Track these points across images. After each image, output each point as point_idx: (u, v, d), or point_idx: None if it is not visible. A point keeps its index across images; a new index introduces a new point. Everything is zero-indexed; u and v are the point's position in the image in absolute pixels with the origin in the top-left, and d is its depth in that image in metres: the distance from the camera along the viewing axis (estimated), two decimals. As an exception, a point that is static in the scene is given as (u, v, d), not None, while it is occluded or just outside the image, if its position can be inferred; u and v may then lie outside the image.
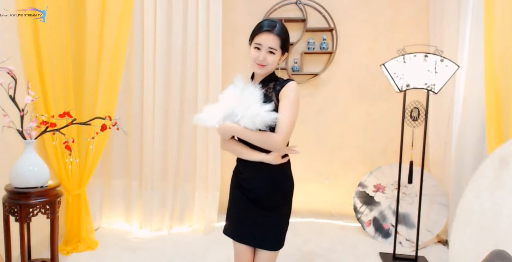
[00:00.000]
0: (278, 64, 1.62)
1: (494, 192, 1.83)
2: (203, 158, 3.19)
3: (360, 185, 3.28)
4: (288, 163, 1.68)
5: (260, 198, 1.63)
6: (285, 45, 1.59)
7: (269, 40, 1.54)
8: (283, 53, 1.61)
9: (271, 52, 1.56)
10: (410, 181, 2.80)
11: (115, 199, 3.31)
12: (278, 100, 1.56)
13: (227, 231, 1.74)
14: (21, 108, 2.13)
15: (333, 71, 3.55)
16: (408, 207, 3.09)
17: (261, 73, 1.61)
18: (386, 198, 3.19)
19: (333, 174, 3.62)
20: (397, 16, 3.48)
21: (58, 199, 2.26)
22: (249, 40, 1.62)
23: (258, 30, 1.57)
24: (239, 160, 1.71)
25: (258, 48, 1.56)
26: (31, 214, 2.11)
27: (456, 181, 2.85)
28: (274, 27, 1.55)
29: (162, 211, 3.22)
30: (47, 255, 2.49)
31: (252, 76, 1.69)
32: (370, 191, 3.24)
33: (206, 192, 3.23)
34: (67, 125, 2.26)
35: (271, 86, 1.61)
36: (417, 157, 2.88)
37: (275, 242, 1.65)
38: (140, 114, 3.19)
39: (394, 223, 3.01)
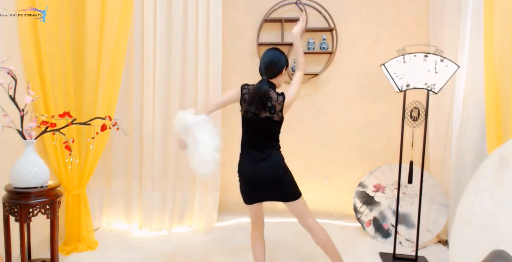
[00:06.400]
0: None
1: (494, 192, 1.84)
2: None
3: (360, 185, 3.28)
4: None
5: None
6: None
7: None
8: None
9: None
10: (410, 181, 2.80)
11: (115, 199, 3.31)
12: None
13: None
14: (21, 108, 2.13)
15: (333, 71, 3.55)
16: (408, 207, 3.09)
17: None
18: (386, 198, 3.19)
19: (333, 174, 3.62)
20: (397, 16, 3.47)
21: (58, 199, 2.26)
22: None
23: None
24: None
25: None
26: (31, 214, 2.12)
27: (456, 181, 2.85)
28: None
29: (162, 211, 3.22)
30: (47, 255, 2.48)
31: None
32: (370, 191, 3.24)
33: (206, 192, 3.23)
34: (67, 125, 2.27)
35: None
36: (417, 157, 2.88)
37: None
38: (140, 114, 3.19)
39: (394, 223, 3.01)
